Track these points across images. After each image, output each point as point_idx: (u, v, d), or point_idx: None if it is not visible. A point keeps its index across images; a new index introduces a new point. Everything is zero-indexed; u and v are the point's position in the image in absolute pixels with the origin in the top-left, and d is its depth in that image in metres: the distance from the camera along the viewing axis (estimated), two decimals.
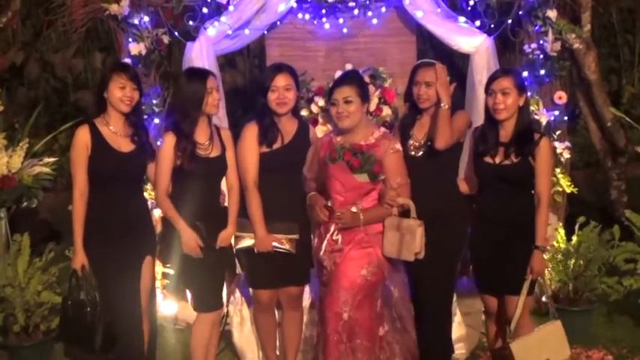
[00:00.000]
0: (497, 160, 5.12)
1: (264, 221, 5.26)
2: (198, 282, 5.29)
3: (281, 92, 5.22)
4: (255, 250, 5.32)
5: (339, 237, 5.16)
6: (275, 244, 5.27)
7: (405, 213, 5.13)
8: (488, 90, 5.15)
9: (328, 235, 5.17)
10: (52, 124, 8.86)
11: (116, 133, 5.07)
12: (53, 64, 12.84)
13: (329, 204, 5.15)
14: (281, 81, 5.22)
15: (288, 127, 5.37)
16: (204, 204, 5.19)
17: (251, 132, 5.31)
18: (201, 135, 5.20)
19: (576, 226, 6.60)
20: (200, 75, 5.20)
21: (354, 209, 5.10)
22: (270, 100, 5.23)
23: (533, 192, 5.08)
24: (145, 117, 6.36)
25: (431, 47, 8.65)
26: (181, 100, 5.18)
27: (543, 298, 6.54)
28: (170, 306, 6.12)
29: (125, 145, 5.09)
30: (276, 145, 5.31)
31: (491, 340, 5.52)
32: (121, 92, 4.98)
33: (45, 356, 6.18)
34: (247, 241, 5.34)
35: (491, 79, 5.19)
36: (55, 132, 8.04)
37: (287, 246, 5.29)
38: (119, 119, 5.08)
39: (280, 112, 5.27)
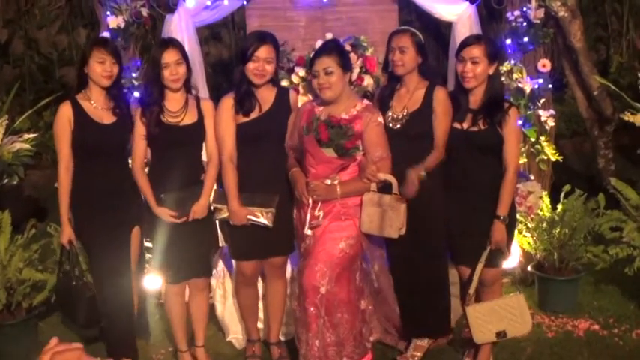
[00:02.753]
0: (465, 126, 5.09)
1: (237, 194, 5.21)
2: (164, 253, 5.30)
3: (261, 64, 5.14)
4: (231, 223, 5.27)
5: (321, 212, 5.08)
6: (250, 217, 5.21)
7: (384, 188, 5.07)
8: (458, 56, 5.11)
9: (309, 210, 5.08)
10: (38, 101, 8.78)
11: (98, 106, 5.14)
12: (38, 40, 12.83)
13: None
14: (263, 52, 5.13)
15: (266, 96, 5.29)
16: (179, 174, 5.19)
17: (227, 102, 5.25)
18: (171, 103, 5.22)
19: (561, 195, 6.53)
20: (159, 48, 5.21)
21: (328, 182, 5.02)
22: (248, 68, 5.15)
23: (500, 161, 5.05)
24: (125, 90, 6.36)
25: (417, 17, 8.58)
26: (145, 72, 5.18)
27: (529, 268, 6.52)
28: (154, 280, 6.06)
29: (107, 118, 5.16)
30: (254, 115, 5.22)
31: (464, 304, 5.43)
32: (101, 67, 5.03)
33: (29, 334, 6.12)
34: (224, 213, 5.29)
35: (462, 45, 5.13)
36: (35, 107, 7.94)
37: (263, 219, 5.22)
38: (100, 93, 5.15)
39: (257, 82, 5.19)
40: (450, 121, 5.15)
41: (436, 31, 8.48)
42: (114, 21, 6.65)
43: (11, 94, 7.91)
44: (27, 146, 6.89)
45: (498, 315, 5.06)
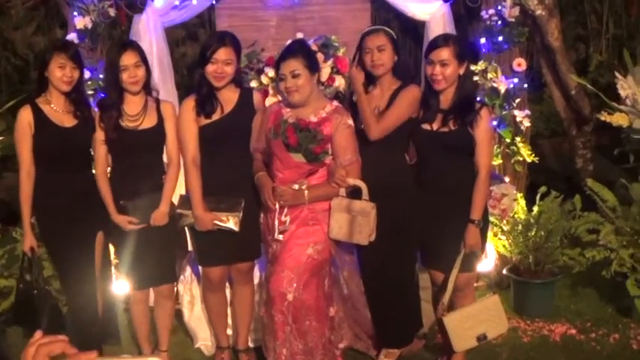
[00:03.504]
0: (435, 126, 4.97)
1: (202, 199, 5.11)
2: (128, 260, 5.22)
3: (220, 66, 5.02)
4: (197, 229, 5.16)
5: (288, 218, 4.96)
6: (216, 222, 5.11)
7: (353, 193, 4.97)
8: (427, 58, 5.00)
9: (277, 215, 4.96)
10: (22, 101, 8.70)
11: (58, 110, 5.07)
12: (13, 41, 12.65)
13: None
14: (222, 54, 5.02)
15: (229, 97, 5.17)
16: (140, 179, 5.12)
17: (187, 105, 5.15)
18: (130, 107, 5.14)
19: (537, 197, 6.44)
20: (116, 51, 5.12)
21: (295, 186, 4.90)
22: (208, 71, 5.04)
23: (472, 163, 4.94)
24: (92, 92, 6.36)
25: (395, 16, 8.50)
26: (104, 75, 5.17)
27: (504, 271, 6.42)
28: (121, 286, 5.95)
29: (68, 121, 5.09)
30: (216, 116, 5.11)
31: (437, 310, 5.33)
32: (61, 72, 4.97)
33: None
34: (190, 219, 5.19)
35: (431, 47, 5.01)
36: (4, 108, 7.79)
37: (229, 224, 5.11)
38: (60, 97, 5.07)
39: (217, 85, 5.08)
40: (405, 110, 5.05)
41: (414, 30, 8.38)
42: (81, 21, 6.55)
43: None
44: None
45: (476, 319, 4.95)
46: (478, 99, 5.34)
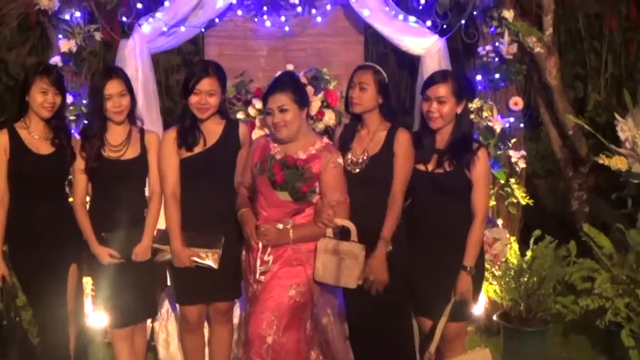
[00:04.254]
0: (430, 167, 4.80)
1: (180, 234, 4.94)
2: (106, 295, 5.05)
3: (203, 97, 4.89)
4: (174, 265, 4.98)
5: (271, 257, 4.79)
6: (195, 258, 4.93)
7: (341, 234, 4.80)
8: (423, 94, 4.83)
9: (259, 254, 4.78)
10: (5, 124, 8.54)
11: (35, 136, 4.94)
12: (7, 61, 12.53)
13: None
14: (205, 85, 4.88)
15: (212, 129, 5.03)
16: (121, 211, 4.96)
17: (169, 136, 5.01)
18: (113, 136, 5.01)
19: (531, 241, 6.27)
20: (101, 78, 4.99)
21: (280, 226, 4.73)
22: (191, 102, 4.90)
23: (469, 206, 4.77)
24: (74, 118, 6.26)
25: (392, 50, 8.36)
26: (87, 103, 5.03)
27: (494, 317, 6.21)
28: (99, 318, 5.74)
29: (45, 148, 4.95)
30: (198, 149, 4.96)
31: None
32: (42, 97, 4.85)
33: None
34: (167, 255, 5.02)
35: (428, 83, 4.85)
36: None
37: (208, 261, 4.94)
38: (39, 123, 4.95)
39: (200, 116, 4.94)
40: (411, 166, 4.85)
41: (411, 66, 8.24)
42: (65, 44, 6.43)
43: None
44: None
45: None
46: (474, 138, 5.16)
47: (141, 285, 5.09)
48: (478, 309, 6.30)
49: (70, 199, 5.11)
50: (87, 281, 5.57)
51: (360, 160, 4.92)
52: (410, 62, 8.07)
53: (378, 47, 7.89)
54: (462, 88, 4.83)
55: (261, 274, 4.78)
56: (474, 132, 5.93)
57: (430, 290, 4.83)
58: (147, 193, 5.17)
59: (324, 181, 4.76)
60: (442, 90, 4.72)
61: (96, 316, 5.81)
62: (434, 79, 4.82)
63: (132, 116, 5.06)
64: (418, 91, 6.39)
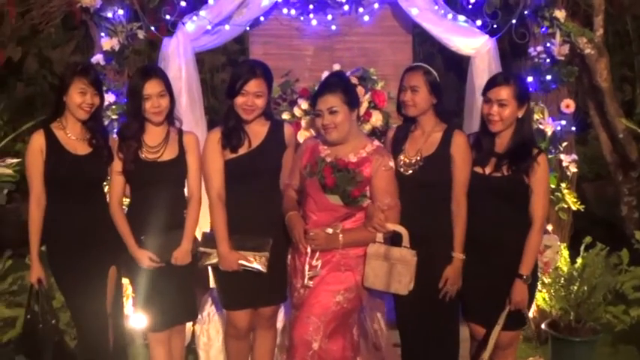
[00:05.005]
0: (487, 170, 4.69)
1: (227, 236, 4.84)
2: (144, 298, 4.99)
3: (250, 98, 4.78)
4: (221, 268, 4.88)
5: (319, 262, 4.69)
6: (242, 262, 4.83)
7: (391, 239, 4.70)
8: (484, 96, 4.71)
9: (307, 259, 4.69)
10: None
11: (72, 136, 4.86)
12: (52, 60, 12.59)
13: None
14: (253, 87, 4.77)
15: (257, 130, 4.94)
16: (159, 214, 4.86)
17: (213, 137, 4.91)
18: (151, 137, 4.93)
19: (582, 248, 6.13)
20: (140, 78, 4.90)
21: (329, 230, 4.64)
22: (237, 103, 4.80)
23: (525, 213, 4.66)
24: (116, 117, 6.21)
25: (440, 51, 8.25)
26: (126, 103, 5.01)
27: (542, 326, 6.07)
28: (140, 319, 5.66)
29: (81, 148, 4.87)
30: (242, 150, 4.87)
31: None
32: (81, 98, 4.76)
33: None
34: (213, 258, 4.92)
35: (490, 85, 4.72)
36: (14, 134, 7.64)
37: (256, 264, 4.83)
38: (76, 123, 4.87)
39: (246, 118, 4.85)
40: (470, 169, 4.74)
41: (459, 66, 8.15)
42: (108, 43, 6.37)
43: None
44: (9, 171, 6.57)
45: None
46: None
47: (180, 288, 5.02)
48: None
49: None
50: (126, 283, 5.48)
51: (414, 162, 4.80)
52: (457, 63, 7.97)
53: (425, 47, 7.79)
54: (524, 91, 4.72)
55: (310, 279, 4.69)
56: None
57: (483, 297, 4.75)
58: (186, 195, 5.08)
59: (376, 185, 4.66)
60: (504, 93, 4.61)
61: (136, 317, 5.70)
62: (496, 81, 4.71)
63: (170, 117, 4.98)
64: (468, 93, 6.31)
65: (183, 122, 5.15)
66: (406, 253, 4.61)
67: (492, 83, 4.71)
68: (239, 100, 4.77)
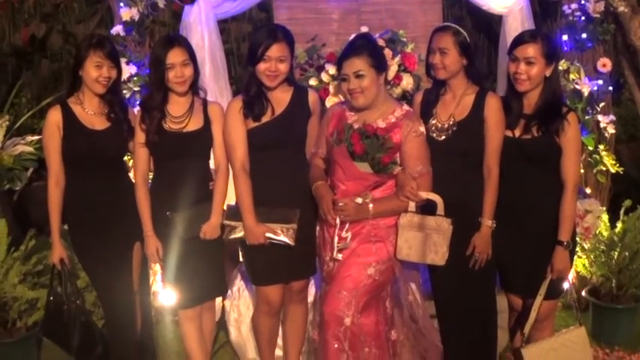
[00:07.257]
0: (517, 133, 4.53)
1: (253, 209, 4.68)
2: (173, 274, 4.86)
3: (273, 64, 4.60)
4: (247, 242, 4.73)
5: (349, 234, 4.53)
6: (269, 234, 4.67)
7: (423, 208, 4.52)
8: (510, 55, 4.54)
9: (337, 230, 4.53)
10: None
11: (90, 111, 4.77)
12: (76, 35, 12.52)
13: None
14: (275, 51, 4.59)
15: (280, 97, 4.76)
16: (184, 187, 4.74)
17: (234, 106, 4.74)
18: (174, 108, 4.80)
19: (621, 211, 5.98)
20: (163, 47, 4.74)
21: (359, 200, 4.47)
22: (259, 70, 4.62)
23: (557, 175, 4.52)
24: (138, 89, 6.11)
25: (468, 13, 8.07)
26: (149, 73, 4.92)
27: (583, 293, 5.96)
28: (169, 296, 5.55)
29: (100, 123, 4.78)
30: (266, 118, 4.69)
31: (514, 339, 4.99)
32: (97, 72, 4.65)
33: (28, 354, 5.75)
34: (239, 232, 4.77)
35: (516, 42, 4.55)
36: (32, 110, 7.52)
37: (284, 237, 4.67)
38: (93, 98, 4.77)
39: (269, 85, 4.67)
40: (503, 134, 4.57)
41: (488, 28, 7.99)
42: (127, 13, 6.25)
43: (12, 95, 7.72)
44: (29, 149, 6.47)
45: (558, 354, 4.56)
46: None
47: (210, 263, 4.89)
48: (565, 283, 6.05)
49: (132, 175, 4.94)
50: None
51: (446, 126, 4.62)
52: (487, 26, 7.78)
53: (453, 10, 7.59)
54: (552, 49, 4.54)
55: (339, 251, 4.54)
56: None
57: (521, 267, 4.62)
58: (212, 167, 4.96)
59: (406, 151, 4.47)
60: (531, 50, 4.44)
61: (165, 294, 5.60)
62: (522, 39, 4.53)
63: (194, 87, 4.84)
64: (501, 54, 6.13)
65: (207, 92, 5.01)
66: (442, 222, 4.44)
67: (519, 41, 4.54)
68: (261, 66, 4.60)
